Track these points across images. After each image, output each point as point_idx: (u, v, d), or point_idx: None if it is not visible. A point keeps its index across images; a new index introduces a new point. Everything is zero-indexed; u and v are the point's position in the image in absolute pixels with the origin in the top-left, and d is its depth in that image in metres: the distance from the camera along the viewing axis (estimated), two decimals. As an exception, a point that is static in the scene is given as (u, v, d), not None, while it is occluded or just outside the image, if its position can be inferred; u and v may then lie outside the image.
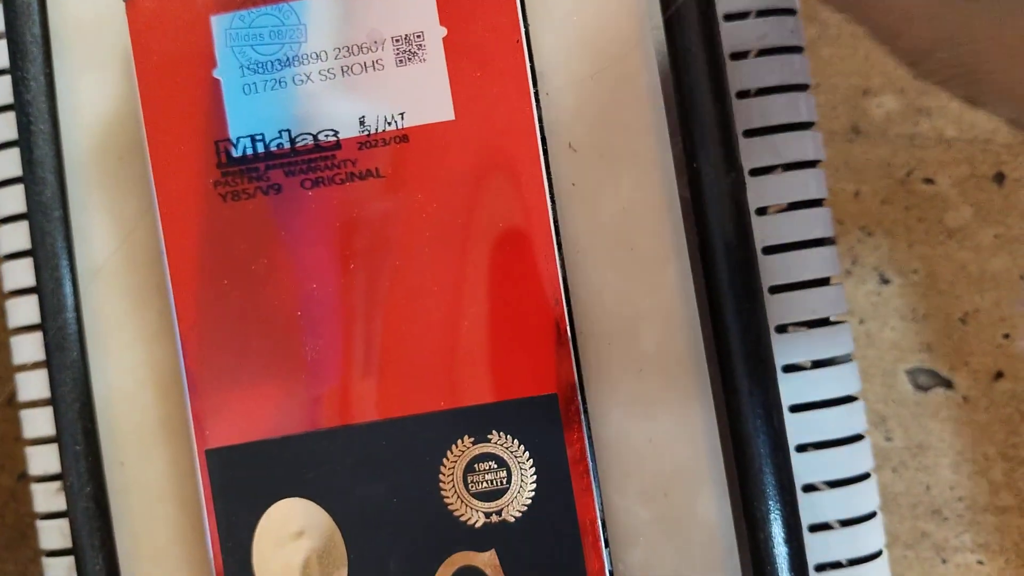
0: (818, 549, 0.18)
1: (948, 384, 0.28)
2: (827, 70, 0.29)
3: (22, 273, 0.20)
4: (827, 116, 0.29)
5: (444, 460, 0.16)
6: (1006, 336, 0.28)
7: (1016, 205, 0.28)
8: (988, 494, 0.28)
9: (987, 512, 0.28)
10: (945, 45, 0.15)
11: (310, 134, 0.17)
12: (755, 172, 0.19)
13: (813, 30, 0.29)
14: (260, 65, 0.17)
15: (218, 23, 0.17)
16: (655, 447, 0.17)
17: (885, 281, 0.28)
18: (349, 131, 0.17)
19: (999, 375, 0.28)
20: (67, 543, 0.19)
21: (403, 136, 0.17)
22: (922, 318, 0.28)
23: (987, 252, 0.28)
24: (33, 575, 0.30)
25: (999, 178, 0.28)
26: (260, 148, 0.17)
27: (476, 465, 0.16)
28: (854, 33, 0.29)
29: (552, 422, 0.16)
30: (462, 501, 0.16)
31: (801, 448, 0.18)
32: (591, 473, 0.16)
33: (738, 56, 0.19)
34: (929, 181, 0.28)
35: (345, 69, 0.17)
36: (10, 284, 0.20)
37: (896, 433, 0.29)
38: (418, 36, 0.17)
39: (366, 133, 0.17)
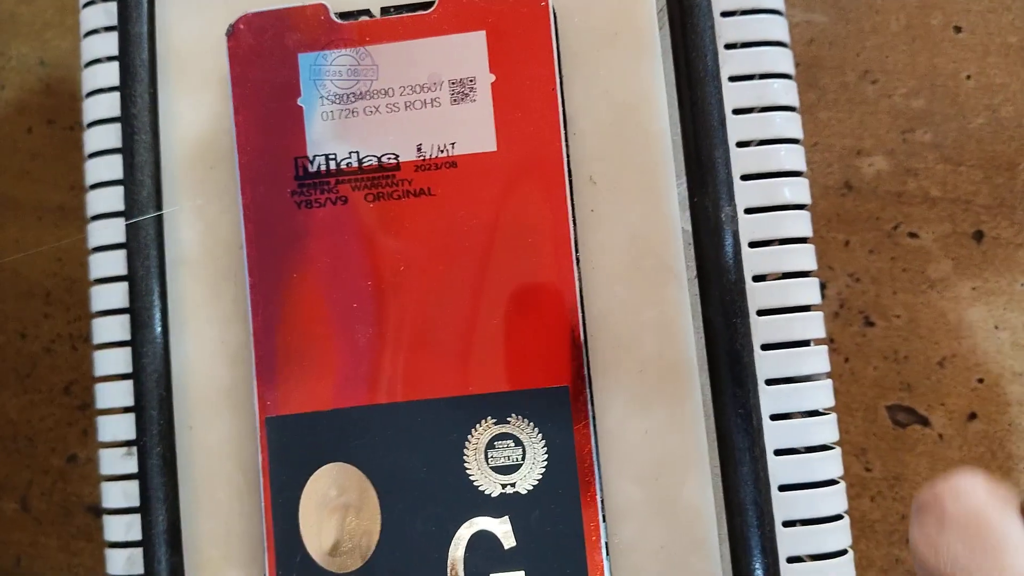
0: (789, 543, 0.20)
1: (925, 422, 0.31)
2: (824, 131, 0.32)
3: (113, 264, 0.23)
4: (823, 172, 0.32)
5: (469, 437, 0.19)
6: (980, 380, 0.31)
7: (992, 261, 0.31)
8: (959, 526, 0.30)
9: (958, 543, 0.31)
10: None
11: (375, 156, 0.20)
12: (749, 211, 0.22)
13: (812, 95, 0.32)
14: (337, 97, 0.20)
15: (304, 60, 0.20)
16: (650, 438, 0.20)
17: (870, 324, 0.31)
18: (408, 155, 0.20)
19: (972, 416, 0.31)
20: (131, 502, 0.22)
21: (453, 162, 0.20)
22: (903, 360, 0.31)
23: (965, 303, 0.31)
24: (76, 551, 0.33)
25: (978, 236, 0.31)
26: (332, 165, 0.20)
27: (496, 443, 0.19)
28: (851, 99, 0.32)
29: (563, 410, 0.19)
30: (482, 473, 0.19)
31: (779, 452, 0.21)
32: (594, 456, 0.19)
33: (740, 112, 0.22)
34: (914, 235, 0.31)
35: (408, 104, 0.20)
36: (99, 273, 0.23)
37: (875, 464, 0.31)
38: (471, 80, 0.20)
39: (422, 158, 0.20)
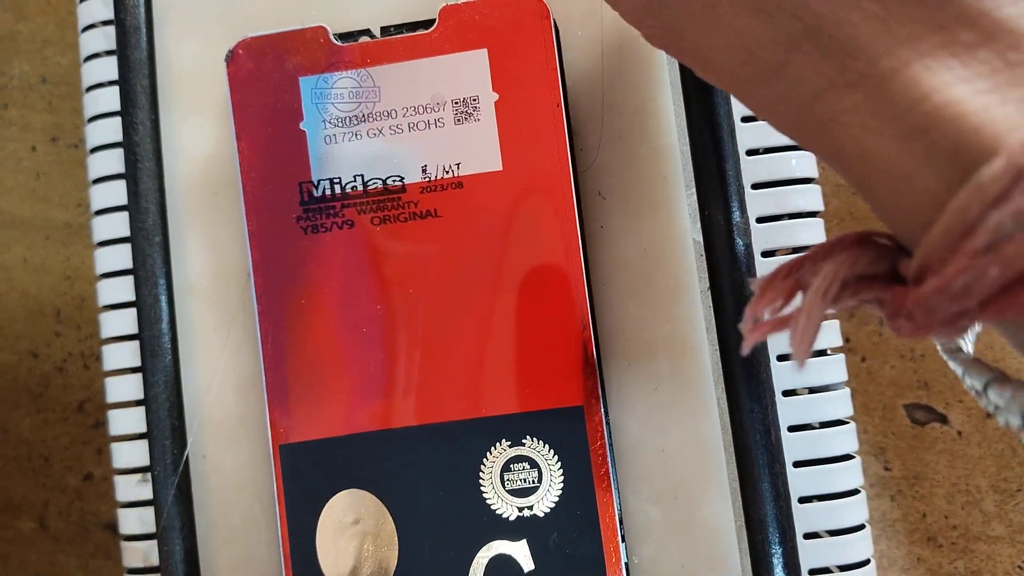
0: (811, 555, 0.20)
1: (944, 419, 0.30)
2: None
3: (121, 290, 0.22)
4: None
5: (484, 460, 0.19)
6: (998, 376, 0.30)
7: (1008, 255, 0.30)
8: (981, 524, 0.30)
9: (980, 541, 0.30)
10: (655, 11, 0.15)
11: (380, 179, 0.20)
12: (761, 220, 0.21)
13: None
14: (340, 120, 0.20)
15: (306, 84, 0.20)
16: (667, 456, 0.19)
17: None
18: (413, 177, 0.20)
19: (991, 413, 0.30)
20: (147, 528, 0.22)
21: (459, 183, 0.20)
22: (920, 357, 0.31)
23: (981, 298, 0.31)
24: (94, 569, 0.33)
25: (993, 230, 0.31)
26: (337, 189, 0.20)
27: (511, 465, 0.19)
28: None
29: (578, 431, 0.19)
30: (498, 496, 0.19)
31: (798, 464, 0.21)
32: (611, 476, 0.19)
33: (748, 119, 0.22)
34: (927, 231, 0.31)
35: (411, 125, 0.20)
36: (107, 299, 0.23)
37: (894, 464, 0.31)
38: (474, 100, 0.20)
39: (427, 179, 0.20)
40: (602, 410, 0.19)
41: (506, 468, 0.19)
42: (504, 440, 0.19)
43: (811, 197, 0.22)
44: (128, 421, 0.22)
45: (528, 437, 0.19)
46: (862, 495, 0.21)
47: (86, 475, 0.33)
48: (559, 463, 0.19)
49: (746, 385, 0.19)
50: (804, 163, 0.22)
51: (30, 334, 0.34)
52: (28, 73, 0.36)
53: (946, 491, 0.30)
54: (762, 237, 0.21)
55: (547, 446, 0.19)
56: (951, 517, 0.30)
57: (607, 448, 0.19)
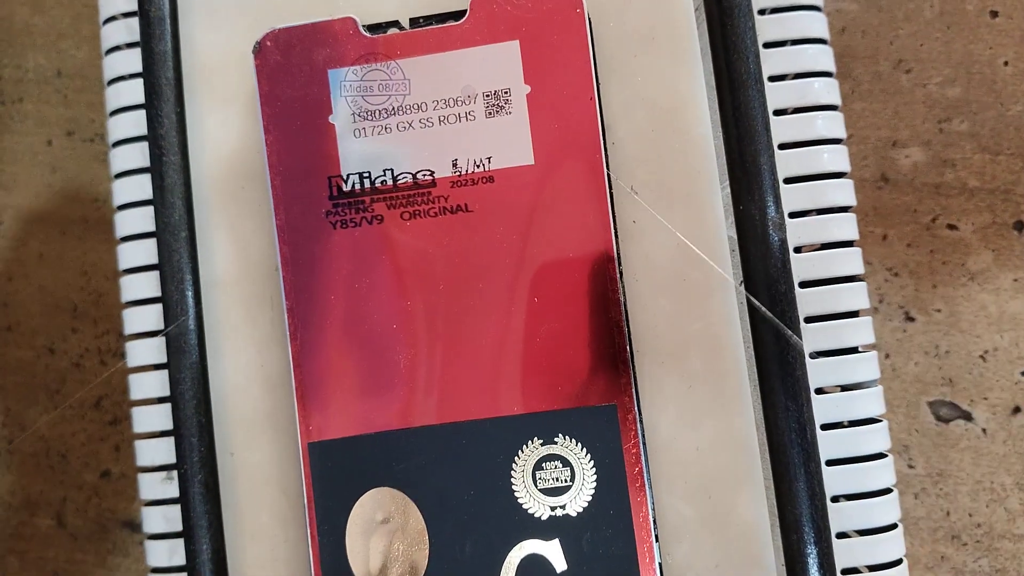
0: (844, 554, 0.20)
1: (968, 417, 0.30)
2: (859, 123, 0.31)
3: (145, 285, 0.22)
4: (858, 165, 0.31)
5: (516, 458, 0.19)
6: (1023, 373, 0.30)
7: (1034, 252, 0.30)
8: (1005, 522, 0.30)
9: (1004, 539, 0.30)
10: None
11: (410, 173, 0.20)
12: (794, 215, 0.21)
13: (846, 86, 0.31)
14: (369, 113, 0.20)
15: (334, 76, 0.20)
16: (700, 454, 0.19)
17: (910, 319, 0.31)
18: (443, 171, 0.20)
19: (1017, 410, 0.30)
20: (172, 527, 0.22)
21: (490, 177, 0.19)
22: (944, 354, 0.30)
23: (1006, 295, 0.30)
24: (112, 567, 0.33)
25: (1019, 226, 0.30)
26: (367, 184, 0.20)
27: (543, 464, 0.19)
28: (884, 89, 0.31)
29: (611, 429, 0.19)
30: (530, 495, 0.19)
31: (831, 463, 0.20)
32: (644, 475, 0.19)
33: (780, 112, 0.22)
34: (953, 227, 0.31)
35: (442, 119, 0.20)
36: (131, 295, 0.23)
37: (918, 461, 0.30)
38: (505, 92, 0.19)
39: (458, 174, 0.19)
40: (635, 408, 0.19)
41: (538, 467, 0.19)
42: (536, 438, 0.19)
43: (844, 192, 0.22)
44: (152, 418, 0.22)
45: (560, 435, 0.19)
46: (895, 494, 0.21)
47: (103, 472, 0.33)
48: (592, 462, 0.19)
49: (781, 382, 0.19)
50: (837, 157, 0.21)
51: (47, 330, 0.34)
52: (44, 66, 0.36)
53: (970, 489, 0.30)
54: (795, 233, 0.21)
55: (579, 444, 0.19)
56: (975, 515, 0.30)
57: (640, 446, 0.19)
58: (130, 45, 0.24)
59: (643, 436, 0.19)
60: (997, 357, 0.30)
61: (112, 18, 0.24)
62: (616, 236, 0.19)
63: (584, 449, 0.19)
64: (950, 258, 0.31)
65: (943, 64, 0.31)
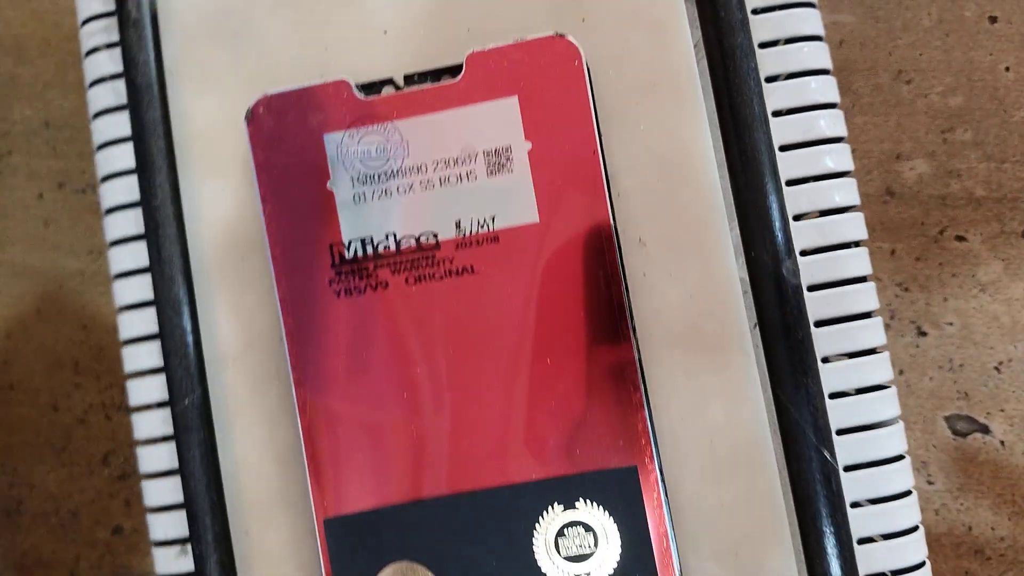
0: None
1: (985, 430, 0.30)
2: (861, 136, 0.31)
3: (148, 356, 0.22)
4: (863, 180, 0.31)
5: (537, 526, 0.18)
6: (1040, 384, 0.30)
7: (1045, 260, 0.30)
8: (1028, 535, 0.30)
9: (1028, 552, 0.30)
10: None
11: (413, 237, 0.19)
12: (805, 253, 0.21)
13: (846, 100, 0.31)
14: (368, 177, 0.19)
15: (330, 141, 0.19)
16: (726, 511, 0.19)
17: (922, 334, 0.30)
18: (447, 233, 0.19)
19: (1035, 421, 0.30)
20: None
21: (495, 237, 0.19)
22: (958, 368, 0.30)
23: (1019, 304, 0.30)
24: (127, 621, 0.32)
25: (1028, 234, 0.30)
26: (369, 250, 0.19)
27: (566, 530, 0.18)
28: (886, 102, 0.31)
29: (633, 491, 0.18)
30: (554, 564, 0.18)
31: (855, 505, 0.20)
32: (669, 536, 0.18)
33: (787, 148, 0.21)
34: (961, 238, 0.30)
35: (443, 179, 0.19)
36: (134, 366, 0.22)
37: (937, 477, 0.30)
38: (506, 150, 0.19)
39: (462, 235, 0.19)
40: (656, 468, 0.18)
41: (560, 533, 0.18)
42: (557, 503, 0.18)
43: (856, 226, 0.21)
44: (164, 493, 0.21)
45: (581, 499, 0.18)
46: (922, 531, 0.20)
47: (115, 528, 0.33)
48: (615, 526, 0.18)
49: (803, 431, 0.19)
50: (846, 192, 0.21)
51: (49, 387, 0.33)
52: (30, 118, 0.36)
53: (991, 502, 0.30)
54: (808, 272, 0.20)
55: (602, 508, 0.18)
56: (998, 529, 0.30)
57: (664, 508, 0.18)
58: (119, 108, 0.23)
59: (666, 496, 0.18)
60: (1012, 368, 0.30)
61: (99, 80, 0.24)
62: (627, 290, 0.19)
63: (607, 513, 0.18)
64: (960, 270, 0.30)
65: (944, 73, 0.30)
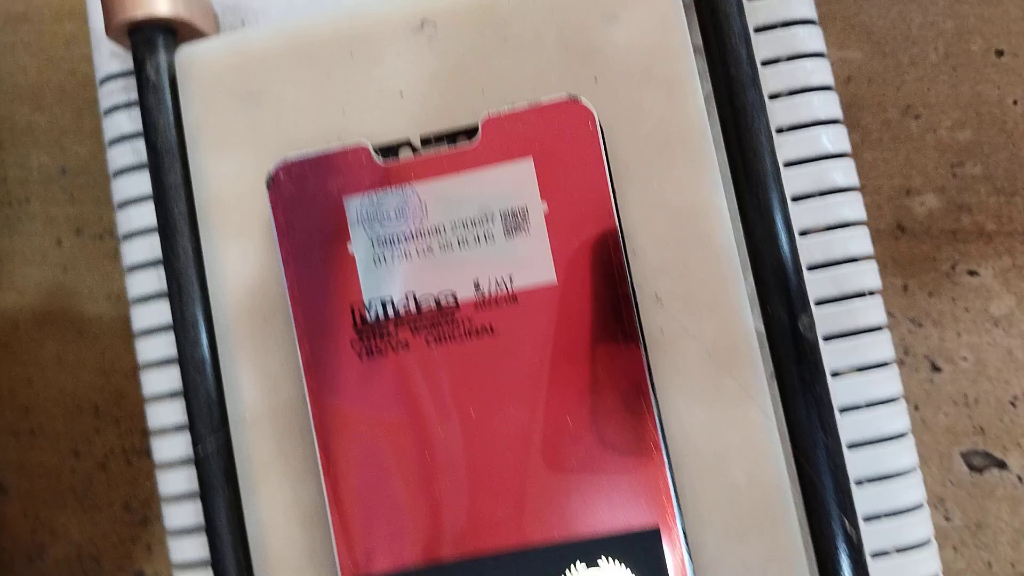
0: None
1: (1002, 465, 0.30)
2: (871, 172, 0.31)
3: (171, 414, 0.22)
4: (873, 216, 0.31)
5: (561, 584, 0.19)
6: (1056, 417, 0.30)
7: (1058, 293, 0.30)
8: (1048, 569, 0.30)
9: (1048, 586, 0.30)
10: None
11: (432, 297, 0.19)
12: (820, 302, 0.21)
13: (856, 136, 0.31)
14: (388, 239, 0.20)
15: (350, 204, 0.20)
16: (749, 570, 0.19)
17: (936, 369, 0.30)
18: (466, 294, 0.19)
19: (1052, 455, 0.30)
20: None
21: (513, 297, 0.19)
22: (974, 403, 0.30)
23: (1033, 337, 0.30)
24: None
25: (1040, 267, 0.30)
26: (390, 311, 0.19)
27: (589, 588, 0.19)
28: (895, 137, 0.31)
29: (656, 553, 0.18)
30: (579, 621, 0.19)
31: (876, 555, 0.20)
32: (692, 593, 0.18)
33: (799, 198, 0.21)
34: (973, 273, 0.30)
35: (461, 241, 0.19)
36: (158, 423, 0.22)
37: (955, 513, 0.30)
38: (523, 210, 0.19)
39: (481, 296, 0.19)
40: (679, 529, 0.18)
41: (584, 592, 0.19)
42: (579, 561, 0.19)
43: (868, 274, 0.21)
44: (190, 550, 0.22)
45: (603, 556, 0.19)
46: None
47: (137, 573, 0.33)
48: (638, 583, 0.18)
49: (823, 485, 0.19)
50: (859, 241, 0.21)
51: (70, 433, 0.34)
52: (47, 165, 0.36)
53: (1010, 538, 0.30)
54: (825, 323, 0.21)
55: (626, 568, 0.19)
56: (1018, 565, 0.30)
57: (687, 568, 0.18)
58: (138, 168, 0.23)
59: (689, 555, 0.19)
60: (1028, 401, 0.30)
61: (118, 139, 0.24)
62: (645, 348, 0.19)
63: (631, 573, 0.19)
64: (972, 305, 0.30)
65: (952, 107, 0.31)
